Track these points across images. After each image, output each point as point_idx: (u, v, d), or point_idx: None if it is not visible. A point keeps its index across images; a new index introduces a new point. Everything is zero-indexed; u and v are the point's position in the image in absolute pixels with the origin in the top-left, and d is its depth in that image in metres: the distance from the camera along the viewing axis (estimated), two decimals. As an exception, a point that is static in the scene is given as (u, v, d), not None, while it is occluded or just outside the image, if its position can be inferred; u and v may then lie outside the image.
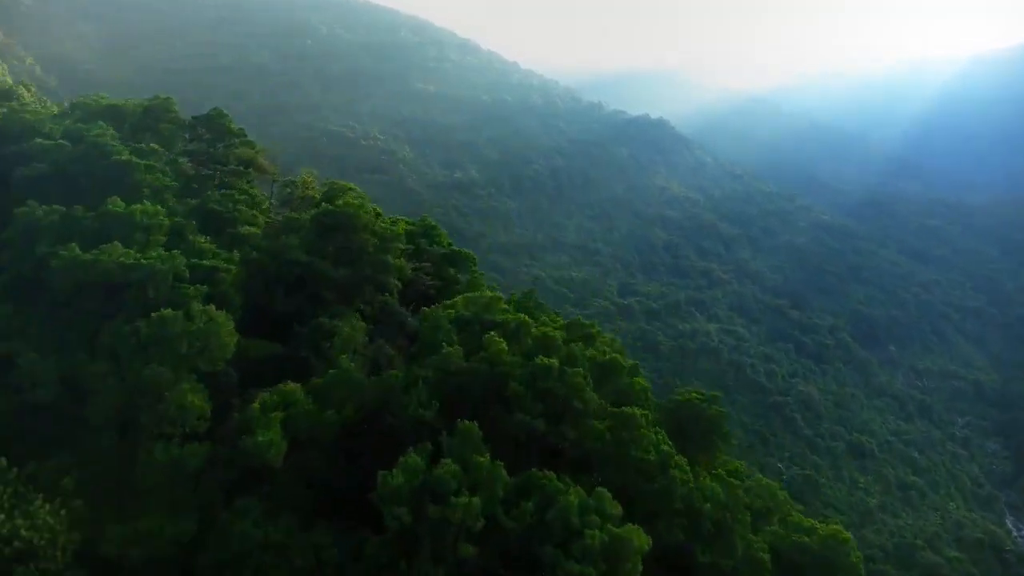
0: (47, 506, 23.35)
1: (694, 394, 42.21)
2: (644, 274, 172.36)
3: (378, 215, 53.14)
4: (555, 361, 30.84)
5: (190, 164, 49.82)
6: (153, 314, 26.04)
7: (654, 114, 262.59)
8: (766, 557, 31.48)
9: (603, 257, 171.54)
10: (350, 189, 50.09)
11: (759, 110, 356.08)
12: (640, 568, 24.76)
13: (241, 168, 52.06)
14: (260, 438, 24.78)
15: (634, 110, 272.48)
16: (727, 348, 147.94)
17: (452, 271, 51.38)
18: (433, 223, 55.97)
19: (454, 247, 54.55)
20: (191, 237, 33.41)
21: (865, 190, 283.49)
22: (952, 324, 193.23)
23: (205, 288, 29.29)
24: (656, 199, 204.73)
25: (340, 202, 40.54)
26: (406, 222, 53.20)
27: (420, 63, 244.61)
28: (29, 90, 63.91)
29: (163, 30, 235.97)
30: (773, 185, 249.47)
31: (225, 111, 55.45)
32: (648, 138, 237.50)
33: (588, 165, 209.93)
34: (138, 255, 28.13)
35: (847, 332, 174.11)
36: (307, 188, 56.17)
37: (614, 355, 36.86)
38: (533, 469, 27.00)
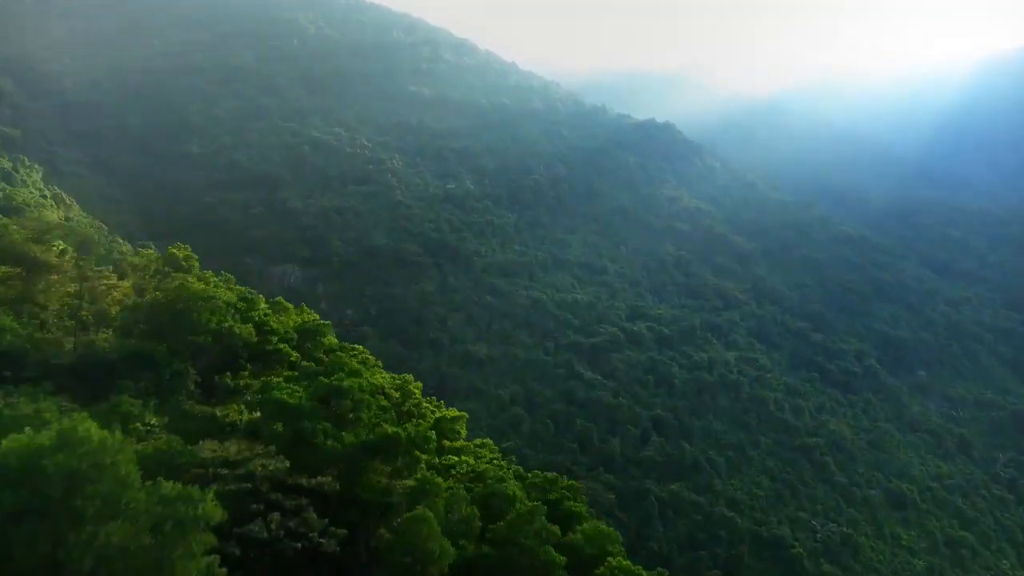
0: None
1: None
2: (654, 295, 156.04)
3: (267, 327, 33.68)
4: None
5: None
6: None
7: (659, 118, 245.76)
8: None
9: (609, 276, 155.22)
10: (201, 300, 30.39)
11: (767, 113, 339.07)
12: None
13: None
14: None
15: (638, 114, 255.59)
16: (747, 380, 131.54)
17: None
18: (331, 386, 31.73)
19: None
20: None
21: (882, 198, 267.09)
22: (985, 346, 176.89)
23: None
24: (665, 211, 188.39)
25: (57, 444, 16.96)
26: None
27: (413, 64, 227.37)
28: None
29: (140, 29, 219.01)
30: (787, 193, 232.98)
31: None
32: (655, 144, 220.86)
33: (592, 174, 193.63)
34: None
35: (874, 357, 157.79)
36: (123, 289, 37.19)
37: None
38: None
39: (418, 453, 30.39)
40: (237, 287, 39.00)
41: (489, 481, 33.76)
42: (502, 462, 39.88)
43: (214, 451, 25.88)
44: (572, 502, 39.72)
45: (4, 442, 16.98)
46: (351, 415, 29.96)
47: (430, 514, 25.50)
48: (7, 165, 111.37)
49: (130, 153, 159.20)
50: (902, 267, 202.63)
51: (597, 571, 30.70)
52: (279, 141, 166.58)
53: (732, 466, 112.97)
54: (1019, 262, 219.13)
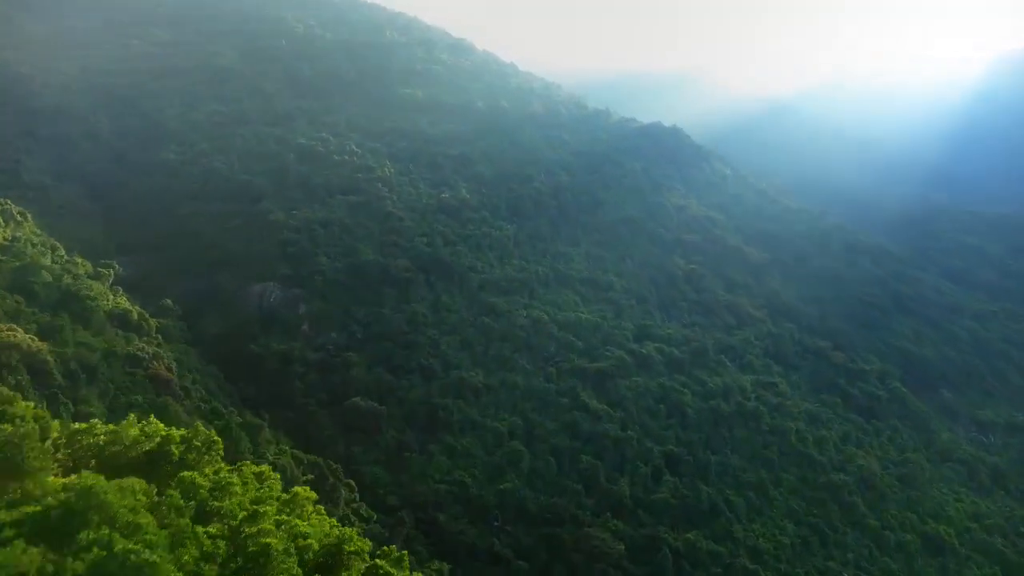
0: None
1: None
2: (663, 312, 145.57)
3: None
4: None
5: None
6: None
7: (664, 121, 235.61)
8: None
9: (615, 292, 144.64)
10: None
11: (773, 116, 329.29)
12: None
13: None
14: None
15: (642, 117, 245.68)
16: (767, 409, 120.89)
17: None
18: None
19: None
20: None
21: (894, 203, 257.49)
22: (1013, 364, 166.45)
23: None
24: (673, 220, 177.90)
25: None
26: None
27: (407, 65, 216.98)
28: None
29: (120, 29, 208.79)
30: (797, 200, 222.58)
31: None
32: (662, 149, 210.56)
33: (595, 181, 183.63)
34: None
35: (898, 378, 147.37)
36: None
37: None
38: None
39: None
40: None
41: None
42: None
43: None
44: None
45: None
46: None
47: None
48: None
49: (101, 161, 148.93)
50: (921, 278, 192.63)
51: None
52: (262, 148, 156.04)
53: (753, 508, 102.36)
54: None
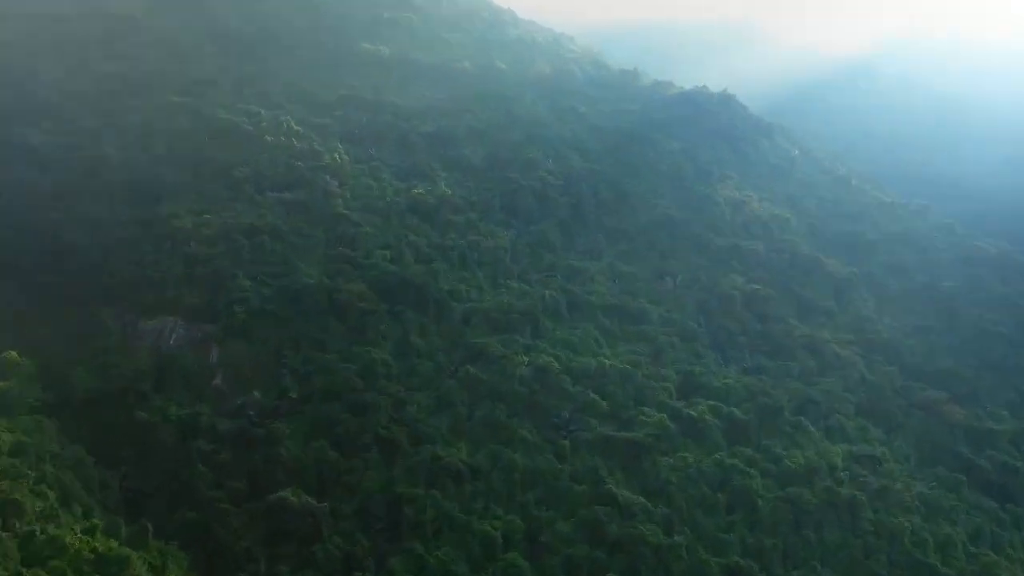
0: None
1: None
2: (717, 351, 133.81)
3: None
4: None
5: None
6: None
7: (711, 86, 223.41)
8: None
9: (651, 325, 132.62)
10: None
11: (849, 79, 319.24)
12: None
13: None
14: None
15: (681, 80, 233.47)
16: (867, 497, 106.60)
17: None
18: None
19: None
20: None
21: (1009, 193, 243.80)
22: None
23: None
24: (727, 221, 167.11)
25: None
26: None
27: (370, 13, 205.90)
28: None
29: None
30: (890, 191, 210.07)
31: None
32: (709, 123, 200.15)
33: (622, 168, 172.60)
34: None
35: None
36: None
37: None
38: None
39: None
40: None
41: None
42: None
43: None
44: None
45: None
46: None
47: None
48: None
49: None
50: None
51: None
52: (167, 126, 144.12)
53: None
54: None
